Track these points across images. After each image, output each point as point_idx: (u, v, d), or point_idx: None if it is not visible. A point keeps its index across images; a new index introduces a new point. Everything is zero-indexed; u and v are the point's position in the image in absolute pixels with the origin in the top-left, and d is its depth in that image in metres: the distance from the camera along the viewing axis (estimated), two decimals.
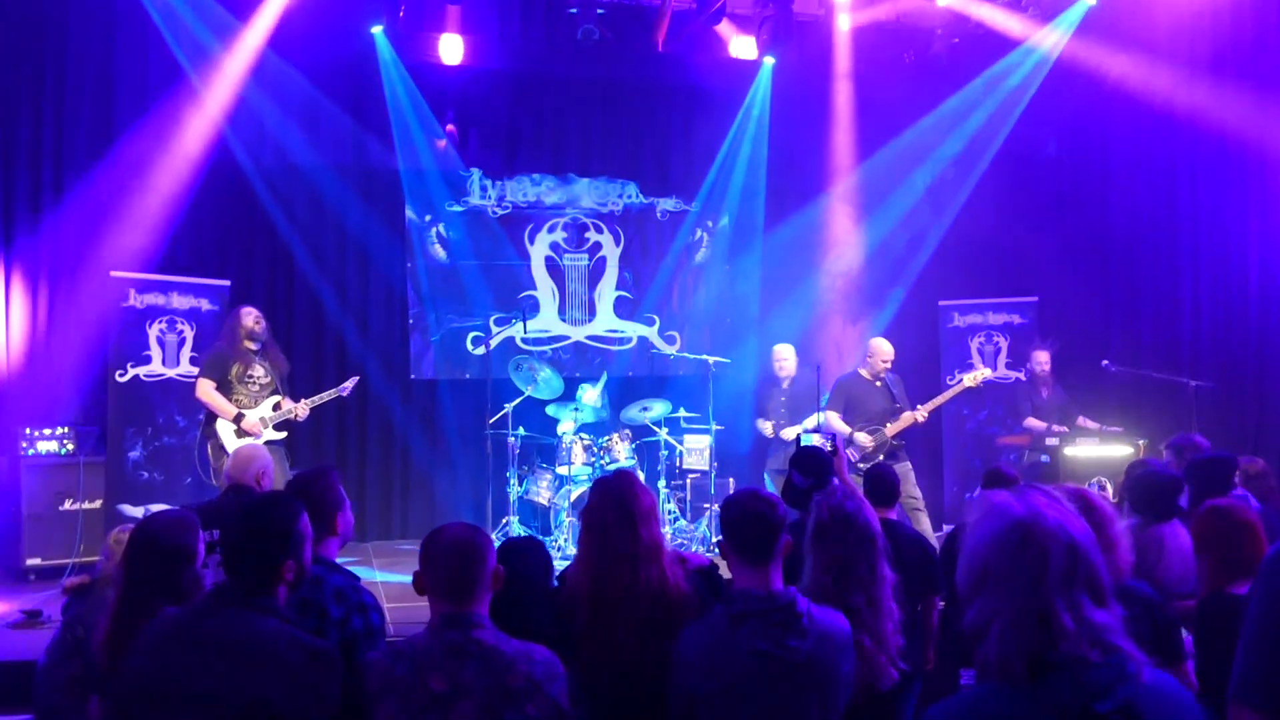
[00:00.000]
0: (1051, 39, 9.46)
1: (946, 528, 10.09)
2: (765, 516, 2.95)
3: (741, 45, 9.66)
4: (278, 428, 7.42)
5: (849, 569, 3.25)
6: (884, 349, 8.19)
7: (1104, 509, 3.18)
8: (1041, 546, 1.76)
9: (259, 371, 7.39)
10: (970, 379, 8.22)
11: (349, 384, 7.81)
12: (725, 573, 3.29)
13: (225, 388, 7.26)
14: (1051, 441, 8.31)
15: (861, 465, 7.87)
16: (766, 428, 8.84)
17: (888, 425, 8.00)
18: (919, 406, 8.10)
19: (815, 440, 6.25)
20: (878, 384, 8.15)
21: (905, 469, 8.03)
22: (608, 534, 3.27)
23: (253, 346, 7.40)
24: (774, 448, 8.79)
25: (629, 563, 3.23)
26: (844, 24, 9.63)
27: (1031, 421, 8.63)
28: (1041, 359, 8.69)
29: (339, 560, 3.40)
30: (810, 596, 2.99)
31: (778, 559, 2.95)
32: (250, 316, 7.43)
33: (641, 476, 8.83)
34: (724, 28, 9.47)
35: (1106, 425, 8.43)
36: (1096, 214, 9.59)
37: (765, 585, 2.91)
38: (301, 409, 7.50)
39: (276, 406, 7.44)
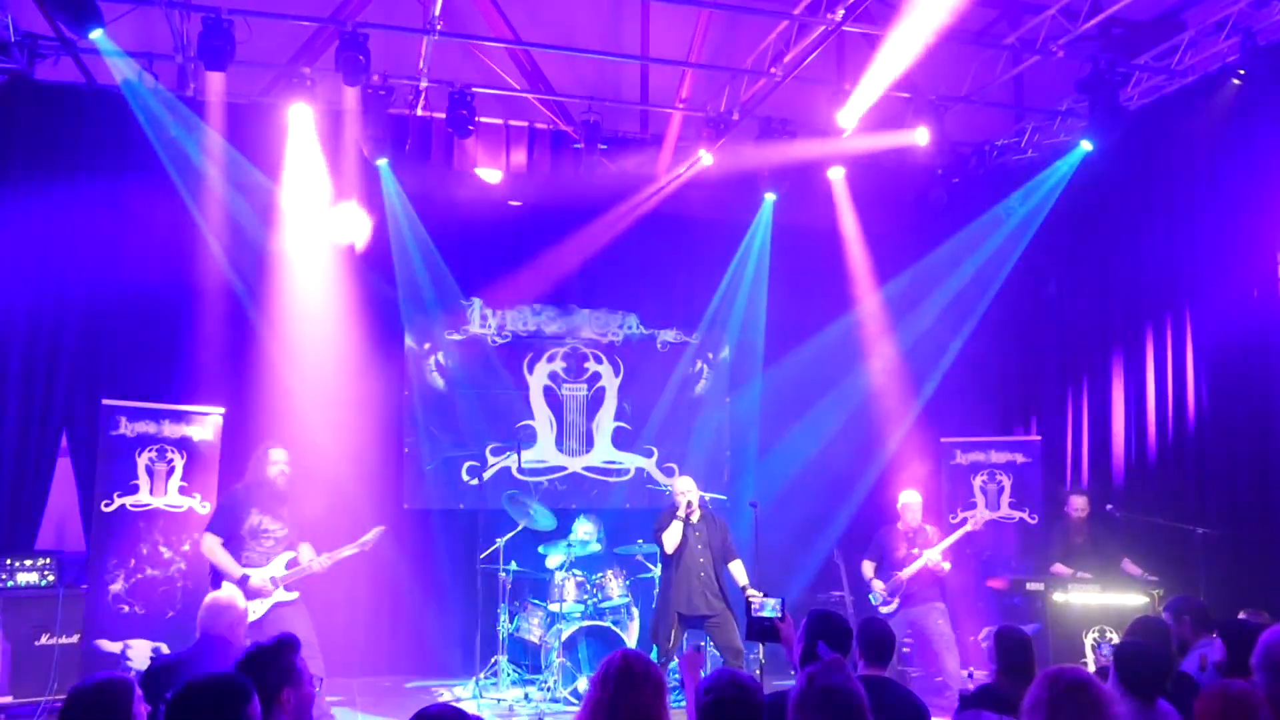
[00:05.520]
0: (1051, 181, 9.54)
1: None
2: (743, 703, 2.82)
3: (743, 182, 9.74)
4: (290, 588, 6.84)
5: None
6: (908, 502, 8.56)
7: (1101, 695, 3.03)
8: None
9: (275, 525, 6.87)
10: (972, 522, 8.56)
11: (371, 536, 7.11)
12: None
13: (235, 542, 6.73)
14: (1033, 586, 8.25)
15: (883, 609, 8.26)
16: None
17: (903, 571, 8.31)
18: (925, 552, 8.28)
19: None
20: (909, 535, 8.48)
21: (923, 611, 8.25)
22: None
23: (278, 492, 6.88)
24: None
25: None
26: (840, 171, 9.78)
27: (1058, 567, 8.46)
28: (1078, 504, 8.58)
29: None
30: None
31: None
32: (278, 465, 6.88)
33: (635, 615, 8.72)
34: (726, 161, 9.54)
35: (1147, 575, 8.18)
36: (1099, 351, 9.51)
37: None
38: (321, 563, 6.93)
39: (291, 563, 6.87)
